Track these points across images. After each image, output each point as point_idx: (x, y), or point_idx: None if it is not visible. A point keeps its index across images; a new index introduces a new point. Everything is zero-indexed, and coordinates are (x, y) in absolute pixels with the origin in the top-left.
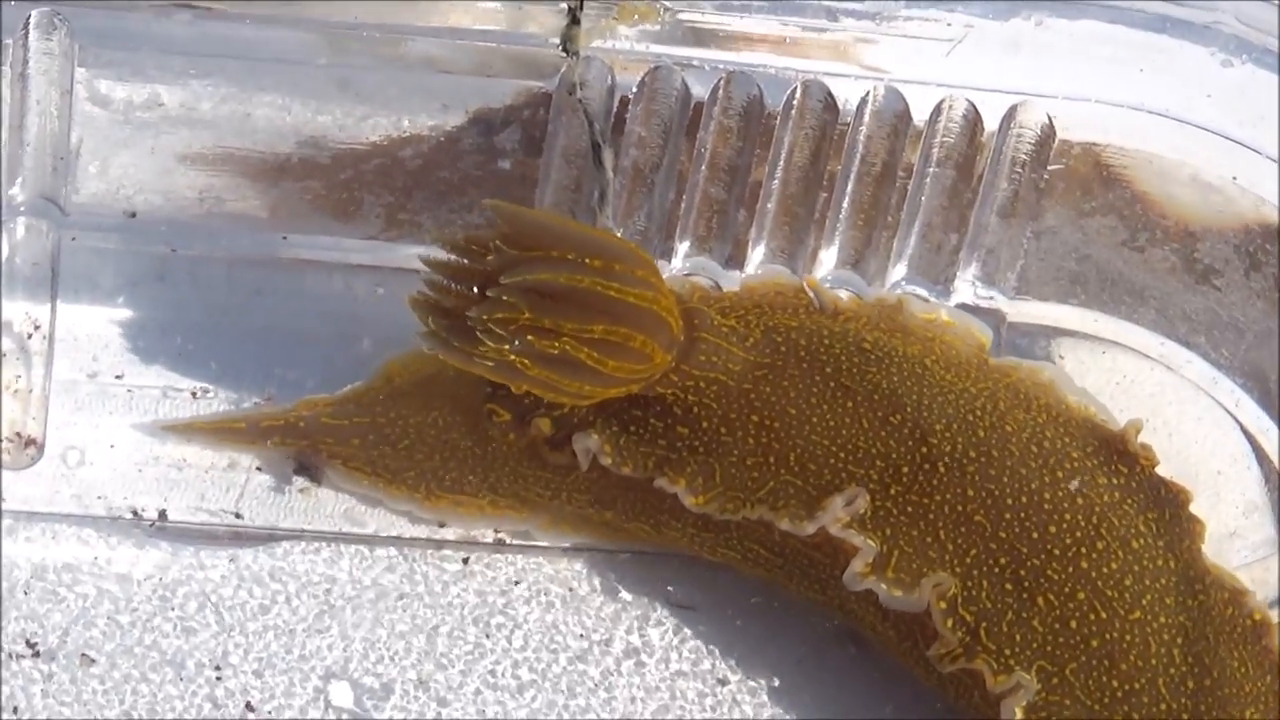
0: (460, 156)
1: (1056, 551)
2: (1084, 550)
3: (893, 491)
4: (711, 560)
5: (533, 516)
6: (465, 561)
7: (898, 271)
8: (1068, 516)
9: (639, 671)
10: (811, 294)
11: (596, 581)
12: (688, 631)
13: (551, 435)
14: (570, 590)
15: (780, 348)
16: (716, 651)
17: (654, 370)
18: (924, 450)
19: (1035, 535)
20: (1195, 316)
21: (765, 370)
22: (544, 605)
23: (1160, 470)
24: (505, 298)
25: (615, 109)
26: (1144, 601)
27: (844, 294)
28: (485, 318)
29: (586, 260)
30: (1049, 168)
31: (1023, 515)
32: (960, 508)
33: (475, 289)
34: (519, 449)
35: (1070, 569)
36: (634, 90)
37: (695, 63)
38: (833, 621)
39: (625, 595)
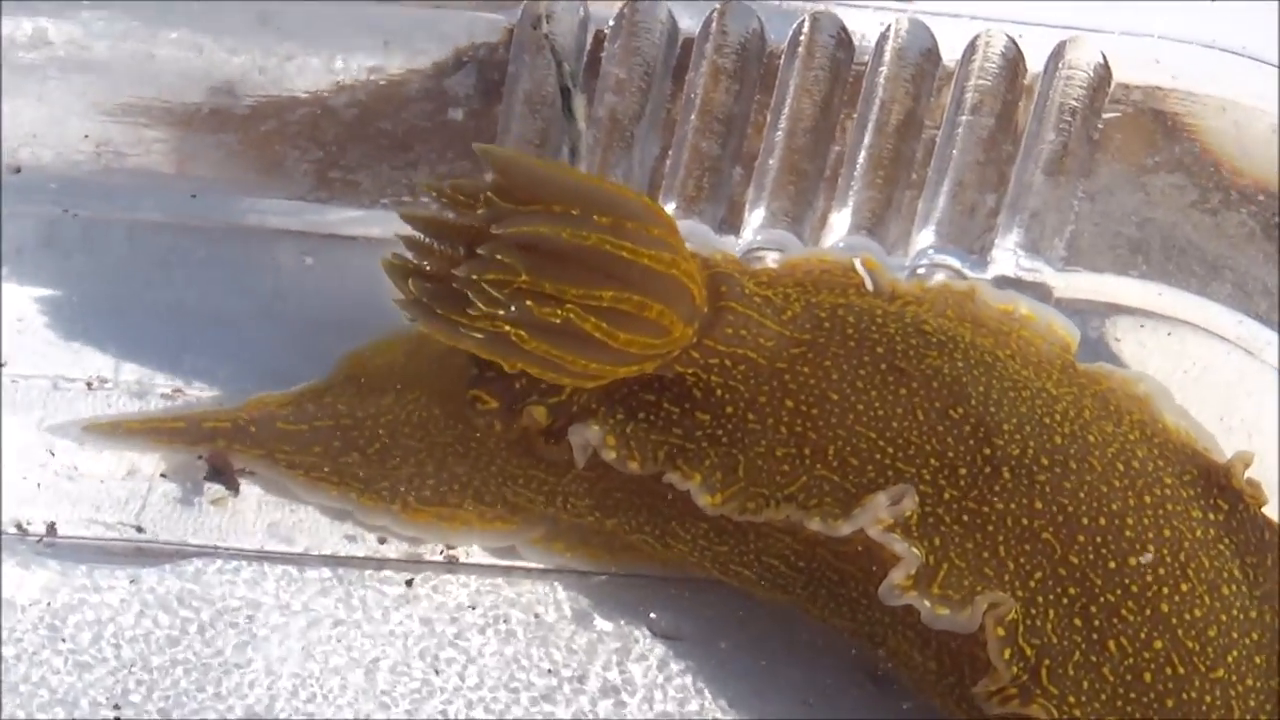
0: (404, 104)
1: (1135, 589)
2: (1166, 591)
3: (947, 496)
4: (713, 582)
5: (525, 528)
6: (409, 584)
7: (924, 238)
8: (1151, 549)
9: (617, 712)
10: (865, 273)
11: (566, 607)
12: (674, 666)
13: (547, 426)
14: (535, 617)
15: (824, 323)
16: (707, 690)
17: (672, 345)
18: (987, 451)
19: (1112, 565)
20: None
21: (804, 348)
22: (503, 635)
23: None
24: (499, 255)
25: (589, 46)
26: (1229, 659)
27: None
28: (476, 276)
29: (594, 217)
30: (1104, 116)
31: (1099, 540)
32: (1026, 522)
33: (463, 249)
34: (508, 444)
35: (1148, 611)
36: (610, 24)
37: None
38: (848, 655)
39: (601, 623)
